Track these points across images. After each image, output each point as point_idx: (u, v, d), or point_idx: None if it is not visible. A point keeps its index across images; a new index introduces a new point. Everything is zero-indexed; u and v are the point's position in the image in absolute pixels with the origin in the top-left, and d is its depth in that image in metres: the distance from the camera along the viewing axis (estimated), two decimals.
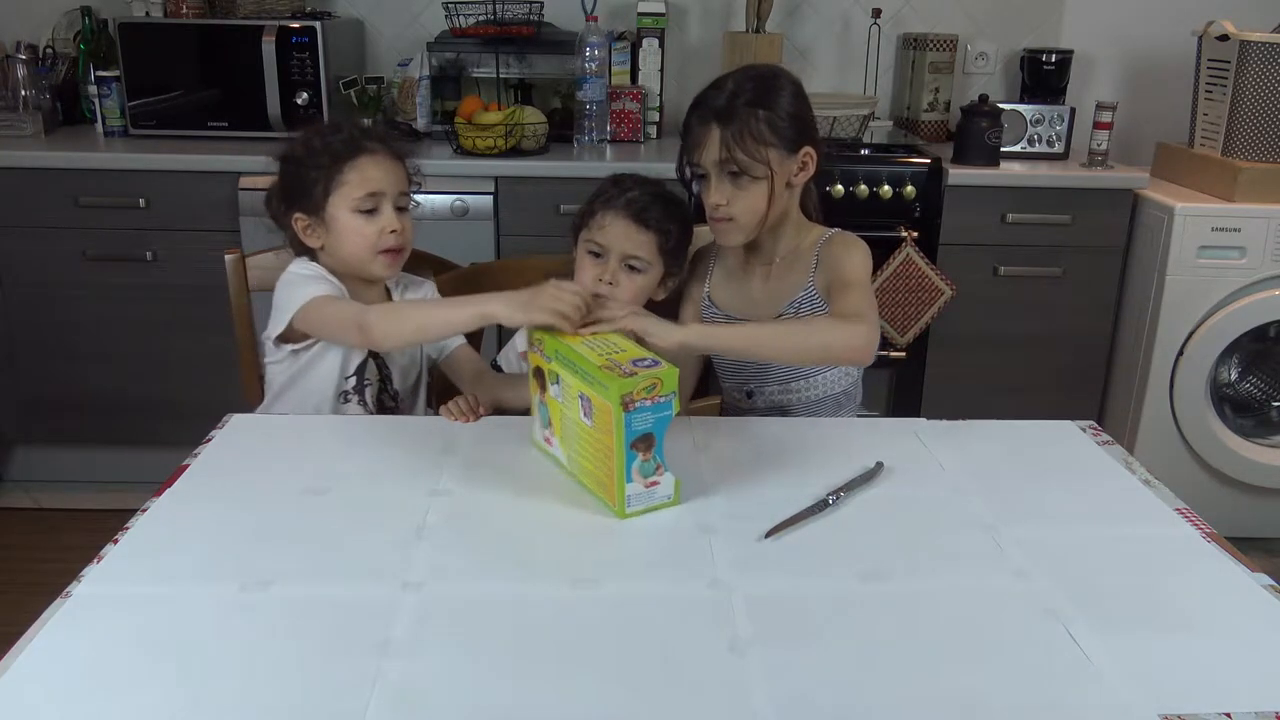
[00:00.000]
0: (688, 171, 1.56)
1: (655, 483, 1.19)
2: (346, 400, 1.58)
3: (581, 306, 1.26)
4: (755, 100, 1.46)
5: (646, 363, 1.18)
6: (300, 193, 1.54)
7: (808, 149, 1.51)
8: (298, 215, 1.55)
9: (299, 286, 1.50)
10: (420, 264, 1.73)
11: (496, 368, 1.71)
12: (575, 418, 1.23)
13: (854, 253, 1.54)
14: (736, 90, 1.46)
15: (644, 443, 1.16)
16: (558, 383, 1.26)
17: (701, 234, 1.79)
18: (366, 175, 1.52)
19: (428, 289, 1.68)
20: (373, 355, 1.59)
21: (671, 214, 1.58)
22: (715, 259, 1.66)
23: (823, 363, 1.52)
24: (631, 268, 1.56)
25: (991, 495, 1.26)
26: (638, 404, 1.14)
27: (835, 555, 1.12)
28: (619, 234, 1.55)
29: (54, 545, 2.54)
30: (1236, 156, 2.57)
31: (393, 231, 1.53)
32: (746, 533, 1.16)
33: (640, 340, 1.27)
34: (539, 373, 1.31)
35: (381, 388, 1.62)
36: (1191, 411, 2.61)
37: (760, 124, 1.45)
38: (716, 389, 1.80)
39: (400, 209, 1.56)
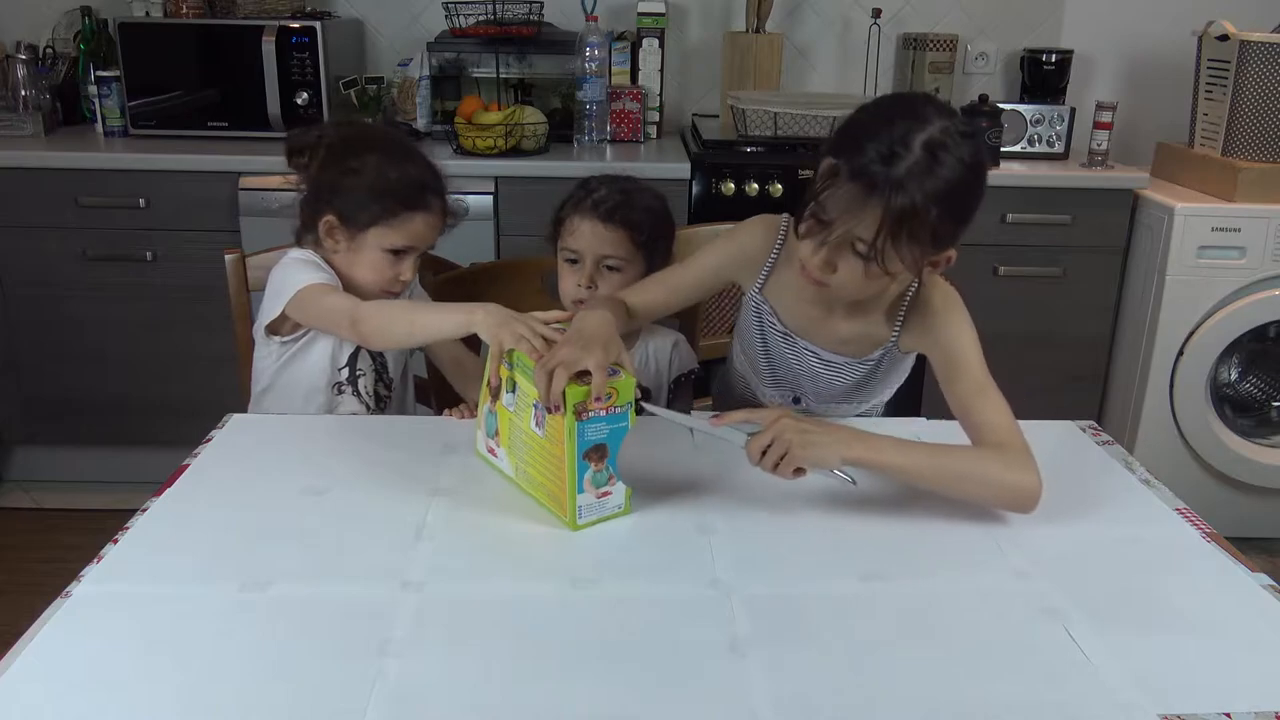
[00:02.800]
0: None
1: (607, 493, 1.16)
2: (340, 392, 1.58)
3: (548, 344, 1.21)
4: (936, 192, 1.15)
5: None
6: (346, 203, 1.51)
7: (950, 253, 1.25)
8: (330, 218, 1.52)
9: (296, 271, 1.49)
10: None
11: None
12: (526, 427, 1.20)
13: (964, 325, 1.35)
14: (920, 168, 1.15)
15: (597, 453, 1.14)
16: (513, 390, 1.23)
17: (766, 223, 1.50)
18: (414, 230, 1.52)
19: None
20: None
21: (642, 207, 1.56)
22: (778, 258, 1.46)
23: (977, 503, 1.22)
24: (610, 268, 1.56)
25: None
26: (592, 413, 1.12)
27: (835, 555, 1.12)
28: (589, 236, 1.54)
29: (54, 545, 2.54)
30: (1236, 156, 2.57)
31: (403, 281, 1.55)
32: (746, 533, 1.16)
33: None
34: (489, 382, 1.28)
35: (377, 377, 1.62)
36: (1191, 411, 2.61)
37: (926, 228, 1.16)
38: (704, 390, 1.79)
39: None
